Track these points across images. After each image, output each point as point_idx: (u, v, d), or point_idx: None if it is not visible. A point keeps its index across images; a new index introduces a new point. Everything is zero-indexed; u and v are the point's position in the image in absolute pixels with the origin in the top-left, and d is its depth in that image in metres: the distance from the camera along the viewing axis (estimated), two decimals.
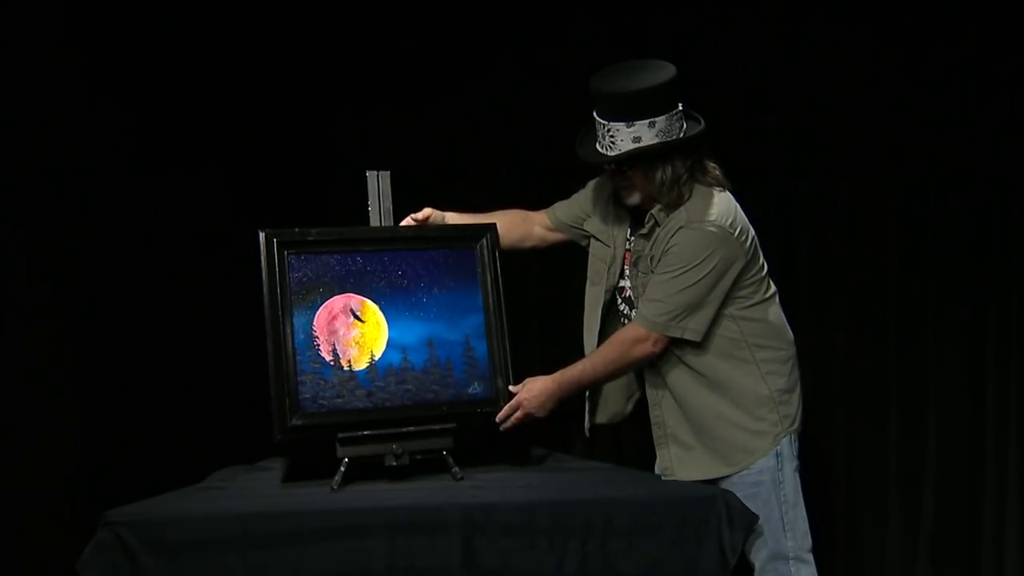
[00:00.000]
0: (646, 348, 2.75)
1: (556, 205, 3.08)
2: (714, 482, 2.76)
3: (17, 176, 3.13)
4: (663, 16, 3.68)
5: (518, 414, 2.74)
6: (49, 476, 3.16)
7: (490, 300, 2.84)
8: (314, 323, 2.71)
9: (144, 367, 3.42)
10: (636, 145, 2.67)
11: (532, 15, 3.70)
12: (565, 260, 3.74)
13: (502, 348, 2.82)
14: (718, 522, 2.51)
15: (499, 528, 2.42)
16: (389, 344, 2.76)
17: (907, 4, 3.56)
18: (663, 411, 2.89)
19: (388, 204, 2.88)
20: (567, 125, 3.73)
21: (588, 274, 2.99)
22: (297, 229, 2.77)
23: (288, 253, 2.72)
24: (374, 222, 2.87)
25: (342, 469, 2.62)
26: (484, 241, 2.88)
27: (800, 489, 2.81)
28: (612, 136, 2.69)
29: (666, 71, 2.70)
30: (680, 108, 2.72)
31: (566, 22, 3.72)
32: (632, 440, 3.77)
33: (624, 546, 2.45)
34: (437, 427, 2.71)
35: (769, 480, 2.76)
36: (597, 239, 2.96)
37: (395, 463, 2.66)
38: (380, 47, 3.66)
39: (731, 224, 2.72)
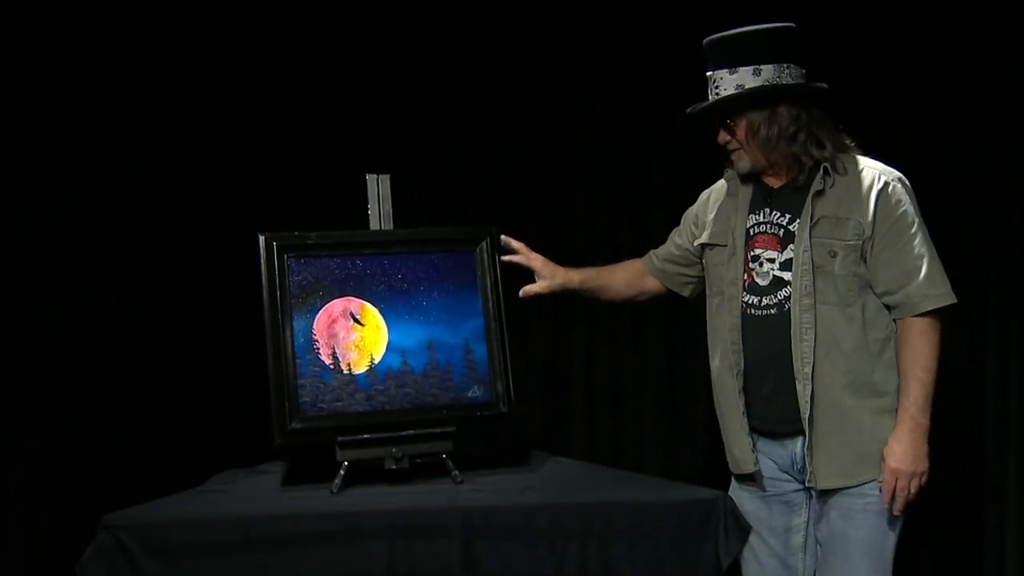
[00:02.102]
0: (939, 326, 2.46)
1: (651, 252, 2.94)
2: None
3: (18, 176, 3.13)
4: None
5: (905, 483, 2.43)
6: (48, 479, 3.16)
7: (490, 303, 2.84)
8: (314, 326, 2.71)
9: (143, 369, 3.42)
10: (738, 91, 2.52)
11: (531, 17, 3.70)
12: (565, 260, 3.75)
13: (502, 352, 2.82)
14: (717, 526, 2.51)
15: (499, 531, 2.42)
16: (389, 347, 2.76)
17: None
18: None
19: (388, 207, 2.87)
20: (567, 128, 3.78)
21: (708, 293, 2.75)
22: (297, 232, 2.76)
23: (288, 256, 2.72)
24: (374, 225, 2.86)
25: (342, 472, 2.62)
26: (484, 244, 2.87)
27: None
28: (716, 86, 2.55)
29: (781, 24, 2.54)
30: (795, 66, 2.53)
31: (565, 17, 3.71)
32: (632, 442, 3.78)
33: (624, 549, 2.45)
34: (437, 430, 2.71)
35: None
36: (714, 245, 2.71)
37: (395, 466, 2.66)
38: (380, 49, 3.66)
39: None
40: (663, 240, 2.94)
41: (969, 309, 3.56)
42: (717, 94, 2.54)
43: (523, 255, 2.88)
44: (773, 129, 2.51)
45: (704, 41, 2.59)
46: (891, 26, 3.57)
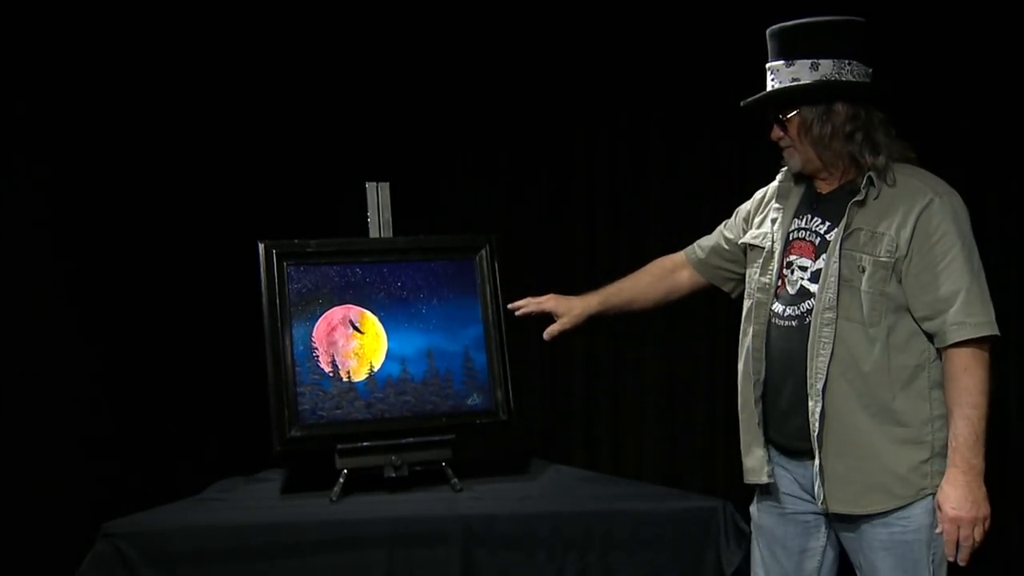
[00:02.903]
0: (988, 355, 2.28)
1: (697, 243, 2.81)
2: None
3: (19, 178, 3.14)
4: None
5: (968, 532, 2.25)
6: (48, 487, 3.15)
7: (489, 311, 2.84)
8: (313, 334, 2.71)
9: (143, 378, 3.41)
10: (793, 84, 2.39)
11: (532, 26, 3.70)
12: (564, 267, 3.76)
13: (501, 359, 2.82)
14: (717, 535, 2.50)
15: (498, 540, 2.42)
16: (388, 355, 2.76)
17: None
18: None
19: (387, 215, 2.88)
20: (566, 134, 3.78)
21: (745, 295, 2.60)
22: (296, 240, 2.77)
23: (287, 264, 2.73)
24: (373, 233, 2.87)
25: (341, 480, 2.61)
26: (484, 252, 2.87)
27: None
28: (772, 78, 2.42)
29: (846, 17, 2.40)
30: (859, 63, 2.39)
31: (565, 23, 3.71)
32: (632, 450, 3.77)
33: (623, 558, 2.45)
34: (436, 438, 2.71)
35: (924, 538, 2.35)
36: (755, 247, 2.58)
37: (394, 474, 2.66)
38: (379, 57, 3.67)
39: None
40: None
41: None
42: (773, 87, 2.42)
43: (532, 305, 2.81)
44: (827, 127, 2.37)
45: (767, 30, 2.46)
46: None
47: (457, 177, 3.74)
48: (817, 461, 2.36)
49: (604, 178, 3.77)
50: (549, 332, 2.80)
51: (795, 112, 2.40)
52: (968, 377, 2.26)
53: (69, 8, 3.25)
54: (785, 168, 2.53)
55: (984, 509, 2.24)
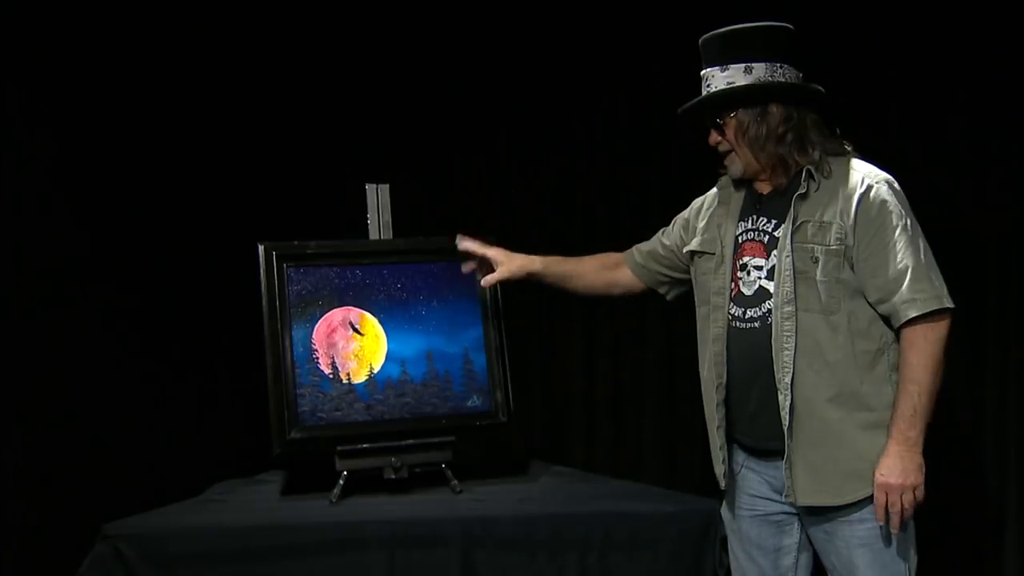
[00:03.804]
0: (942, 331, 2.31)
1: (634, 248, 2.85)
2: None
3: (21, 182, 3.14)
4: None
5: (896, 498, 2.30)
6: (47, 489, 3.15)
7: (489, 313, 2.84)
8: (313, 336, 2.71)
9: (142, 379, 3.41)
10: (729, 87, 2.44)
11: (530, 26, 3.71)
12: None
13: (501, 361, 2.82)
14: (715, 537, 2.51)
15: (498, 541, 2.42)
16: (388, 357, 2.76)
17: None
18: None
19: (387, 217, 2.88)
20: (566, 138, 3.78)
21: (696, 302, 2.64)
22: (296, 242, 2.77)
23: (287, 266, 2.73)
24: (373, 235, 2.87)
25: (341, 482, 2.62)
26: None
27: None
28: (708, 84, 2.47)
29: (775, 23, 2.47)
30: (789, 66, 2.45)
31: (563, 25, 3.72)
32: (631, 452, 3.77)
33: (623, 559, 2.45)
34: (436, 440, 2.71)
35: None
36: (703, 253, 2.61)
37: (394, 476, 2.66)
38: (378, 58, 3.67)
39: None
40: None
41: (967, 316, 3.54)
42: (708, 92, 2.47)
43: (476, 246, 2.78)
44: (762, 128, 2.43)
45: (701, 41, 2.52)
46: (890, 25, 3.55)
47: (456, 179, 3.74)
48: (786, 456, 2.37)
49: (605, 180, 3.77)
50: (486, 281, 2.78)
51: (732, 115, 2.45)
52: (913, 353, 2.31)
53: (69, 9, 3.26)
54: (725, 175, 2.58)
55: (913, 478, 2.28)
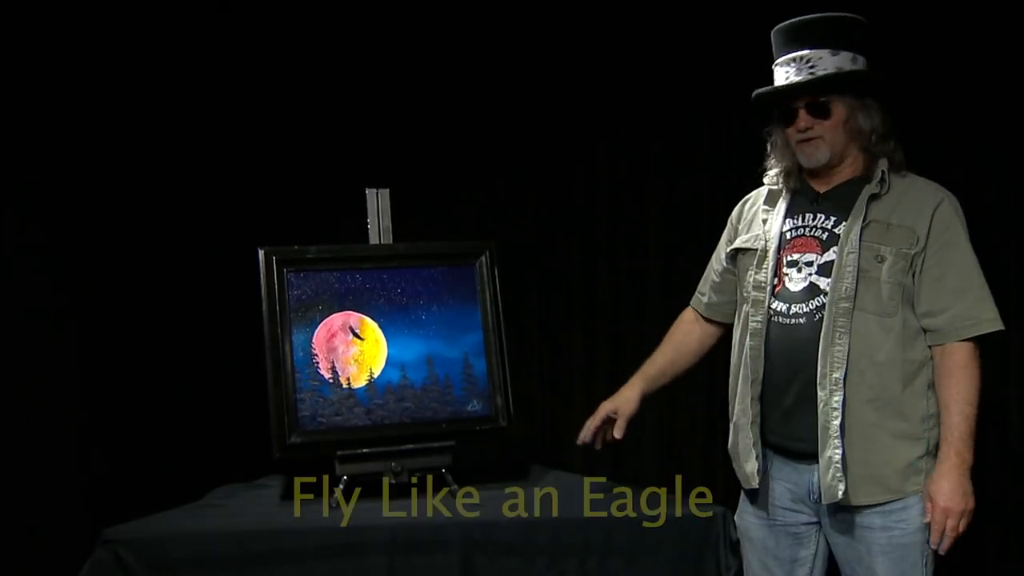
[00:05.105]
0: (979, 356, 2.32)
1: (695, 295, 2.76)
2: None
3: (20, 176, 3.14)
4: None
5: (955, 523, 2.29)
6: (47, 494, 3.15)
7: (489, 317, 2.84)
8: (313, 341, 2.71)
9: (142, 384, 3.41)
10: (851, 69, 2.35)
11: (532, 30, 3.71)
12: (564, 273, 3.76)
13: (501, 366, 2.82)
14: (716, 542, 2.50)
15: (498, 546, 2.42)
16: (388, 362, 2.76)
17: None
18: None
19: (387, 221, 2.88)
20: (566, 139, 3.78)
21: (739, 300, 2.58)
22: (296, 247, 2.77)
23: (287, 271, 2.73)
24: (373, 240, 2.87)
25: (341, 487, 2.61)
26: (483, 258, 2.88)
27: None
28: (812, 65, 2.35)
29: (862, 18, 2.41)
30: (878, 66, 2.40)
31: (565, 30, 3.72)
32: (632, 456, 3.77)
33: (623, 564, 2.45)
34: (436, 444, 2.71)
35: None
36: (746, 250, 2.54)
37: (394, 481, 2.66)
38: (379, 64, 3.67)
39: None
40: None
41: None
42: (812, 71, 2.36)
43: (592, 426, 2.71)
44: (867, 120, 2.37)
45: (782, 28, 2.42)
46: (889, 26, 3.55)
47: (457, 183, 3.75)
48: (840, 451, 2.33)
49: (604, 183, 3.78)
50: (619, 429, 2.68)
51: (841, 100, 2.37)
52: (966, 374, 2.30)
53: (70, 10, 3.26)
54: (773, 171, 2.53)
55: (971, 503, 2.29)
